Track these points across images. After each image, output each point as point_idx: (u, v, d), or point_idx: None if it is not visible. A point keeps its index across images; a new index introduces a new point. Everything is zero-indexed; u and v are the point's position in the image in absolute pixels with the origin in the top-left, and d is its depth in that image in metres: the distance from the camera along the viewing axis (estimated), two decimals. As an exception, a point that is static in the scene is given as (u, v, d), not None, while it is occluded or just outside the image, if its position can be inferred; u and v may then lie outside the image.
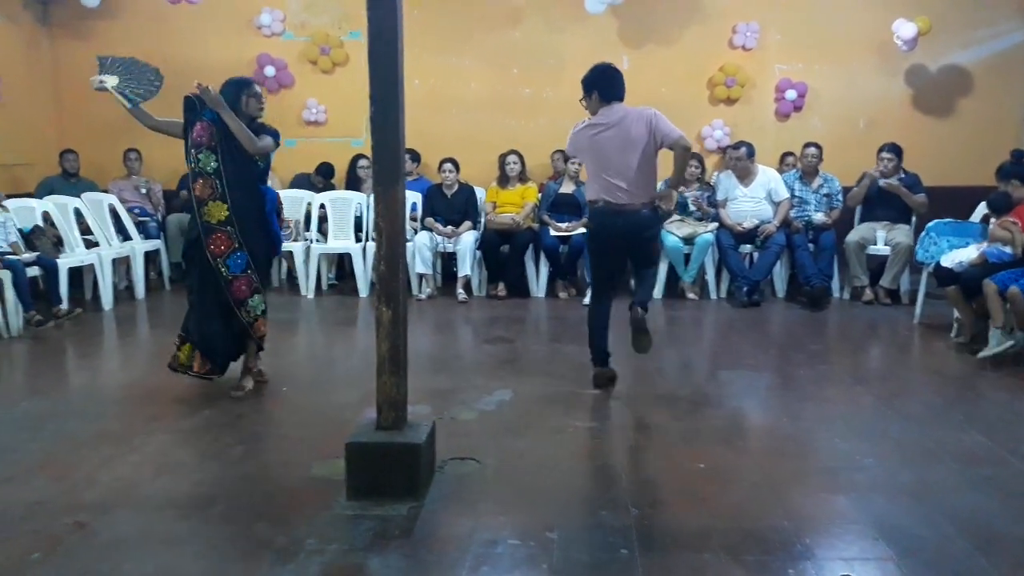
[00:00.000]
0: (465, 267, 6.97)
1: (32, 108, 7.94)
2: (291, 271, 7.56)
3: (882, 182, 6.79)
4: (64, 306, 5.95)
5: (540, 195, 7.31)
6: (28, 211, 6.42)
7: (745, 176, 7.06)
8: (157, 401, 4.21)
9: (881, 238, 6.85)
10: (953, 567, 2.55)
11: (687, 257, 6.95)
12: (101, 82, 4.15)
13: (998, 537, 2.73)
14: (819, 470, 3.35)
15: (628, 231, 4.23)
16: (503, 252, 7.11)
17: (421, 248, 6.94)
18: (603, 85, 4.26)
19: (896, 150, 6.90)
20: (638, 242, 4.31)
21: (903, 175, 6.95)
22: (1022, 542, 2.71)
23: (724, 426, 3.89)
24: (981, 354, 4.87)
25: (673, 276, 7.06)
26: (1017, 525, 2.82)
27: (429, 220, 7.14)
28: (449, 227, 7.06)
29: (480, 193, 7.45)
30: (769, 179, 7.05)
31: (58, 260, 6.12)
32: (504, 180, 7.30)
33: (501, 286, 7.08)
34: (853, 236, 6.86)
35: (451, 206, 7.23)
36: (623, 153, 4.19)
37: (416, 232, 7.07)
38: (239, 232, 4.16)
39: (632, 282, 4.80)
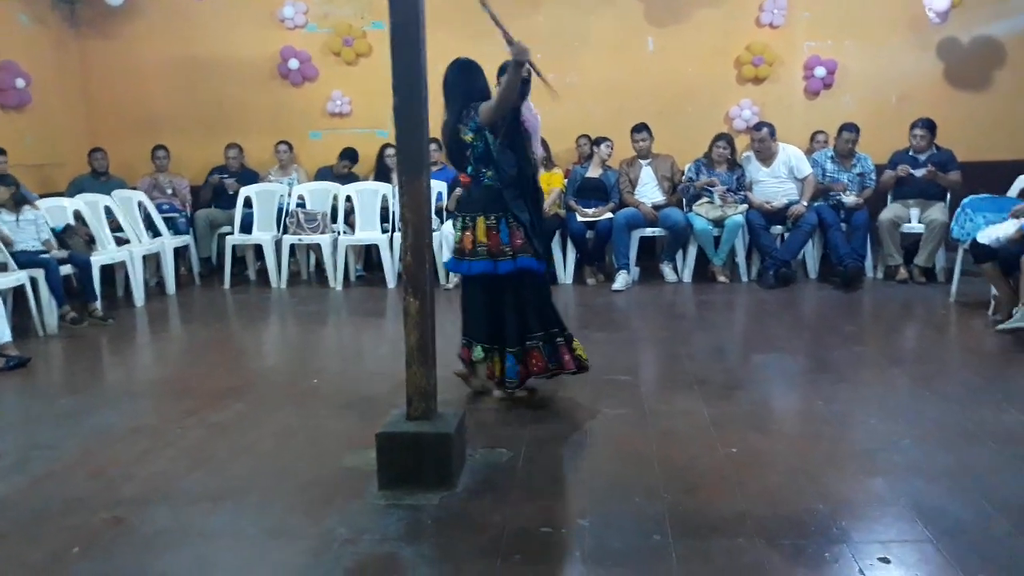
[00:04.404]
0: (492, 255, 6.94)
1: (61, 108, 8.04)
2: (319, 263, 7.60)
3: (917, 173, 6.63)
4: (99, 305, 6.02)
5: (566, 180, 7.26)
6: (60, 210, 6.51)
7: (767, 157, 6.99)
8: (191, 396, 4.25)
9: (915, 216, 6.73)
10: (993, 548, 2.50)
11: (717, 240, 6.88)
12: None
13: (1041, 518, 2.67)
14: (855, 453, 3.30)
15: None
16: (530, 239, 7.07)
17: (448, 237, 6.93)
18: None
19: (929, 125, 6.76)
20: None
21: (936, 151, 6.80)
22: (1066, 523, 2.65)
23: (757, 410, 3.85)
24: (1001, 326, 4.79)
25: (703, 259, 7.00)
26: (1061, 506, 2.76)
27: (459, 189, 7.10)
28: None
29: (506, 180, 7.40)
30: (789, 156, 6.97)
31: (91, 257, 6.19)
32: (529, 167, 7.26)
33: (528, 273, 7.04)
34: (886, 214, 6.74)
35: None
36: None
37: (443, 221, 7.07)
38: None
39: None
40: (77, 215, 6.64)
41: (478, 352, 3.93)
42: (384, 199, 7.35)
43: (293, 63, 8.14)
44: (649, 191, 7.17)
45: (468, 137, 3.79)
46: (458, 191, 7.07)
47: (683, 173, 7.27)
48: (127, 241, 6.95)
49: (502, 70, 3.89)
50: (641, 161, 7.24)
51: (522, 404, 3.93)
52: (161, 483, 3.16)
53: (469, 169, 3.86)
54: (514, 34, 3.68)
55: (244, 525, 2.82)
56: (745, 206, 6.90)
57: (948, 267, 6.40)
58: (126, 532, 2.76)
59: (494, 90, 3.80)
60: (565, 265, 7.06)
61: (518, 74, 3.57)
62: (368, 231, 7.34)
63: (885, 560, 2.45)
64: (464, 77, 3.86)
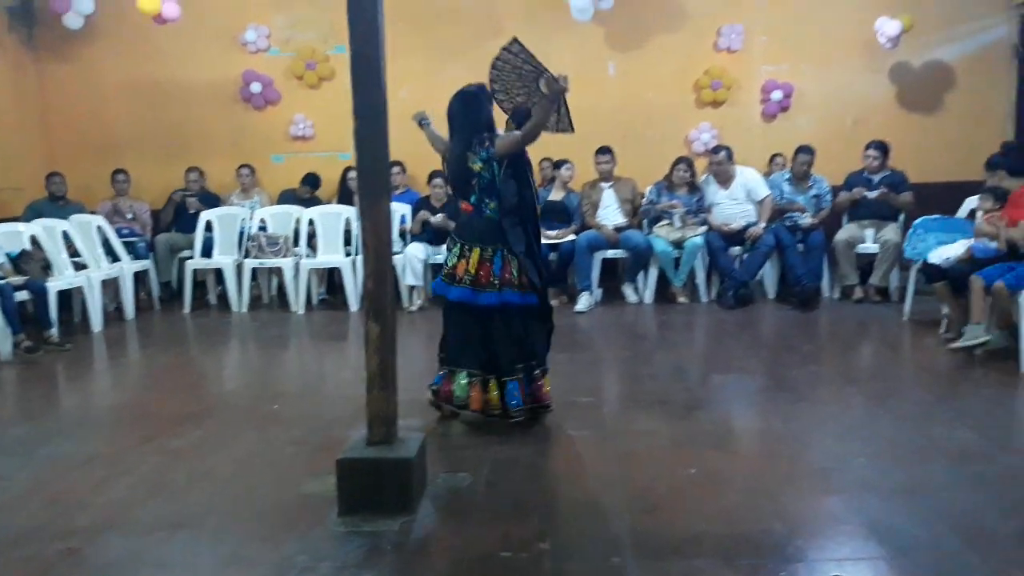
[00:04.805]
0: (456, 278, 6.95)
1: (19, 132, 7.93)
2: (281, 287, 7.54)
3: (870, 195, 6.82)
4: (55, 332, 5.91)
5: (529, 203, 7.29)
6: (15, 235, 6.39)
7: (725, 180, 7.10)
8: (148, 422, 4.20)
9: (870, 236, 6.87)
10: (944, 564, 2.56)
11: (677, 261, 6.97)
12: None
13: (989, 533, 2.73)
14: (811, 472, 3.36)
15: None
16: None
17: (412, 260, 6.93)
18: None
19: (882, 147, 6.93)
20: None
21: (888, 172, 6.97)
22: (1013, 538, 2.72)
23: (716, 430, 3.89)
24: (953, 344, 4.91)
25: (664, 281, 7.07)
26: (1008, 521, 2.82)
27: (423, 212, 7.16)
28: (440, 216, 7.07)
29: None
30: (747, 179, 7.09)
31: (47, 284, 6.09)
32: (492, 190, 7.30)
33: (492, 296, 7.06)
34: (842, 235, 6.88)
35: (440, 218, 7.24)
36: None
37: (406, 244, 7.07)
38: None
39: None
40: (33, 240, 6.53)
41: (461, 379, 3.87)
42: (347, 222, 7.34)
43: (255, 87, 8.12)
44: (611, 214, 7.24)
45: (477, 166, 3.81)
46: (423, 213, 7.13)
47: (643, 196, 7.36)
48: (86, 266, 6.84)
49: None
50: (603, 184, 7.32)
51: (485, 427, 3.93)
52: (117, 512, 3.11)
53: (472, 198, 3.87)
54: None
55: (201, 554, 2.78)
56: (705, 228, 7.00)
57: (902, 286, 6.53)
58: (79, 563, 2.72)
59: None
60: (528, 287, 7.08)
61: (550, 110, 3.70)
62: (330, 254, 7.32)
63: (839, 578, 2.49)
64: (470, 108, 3.89)
